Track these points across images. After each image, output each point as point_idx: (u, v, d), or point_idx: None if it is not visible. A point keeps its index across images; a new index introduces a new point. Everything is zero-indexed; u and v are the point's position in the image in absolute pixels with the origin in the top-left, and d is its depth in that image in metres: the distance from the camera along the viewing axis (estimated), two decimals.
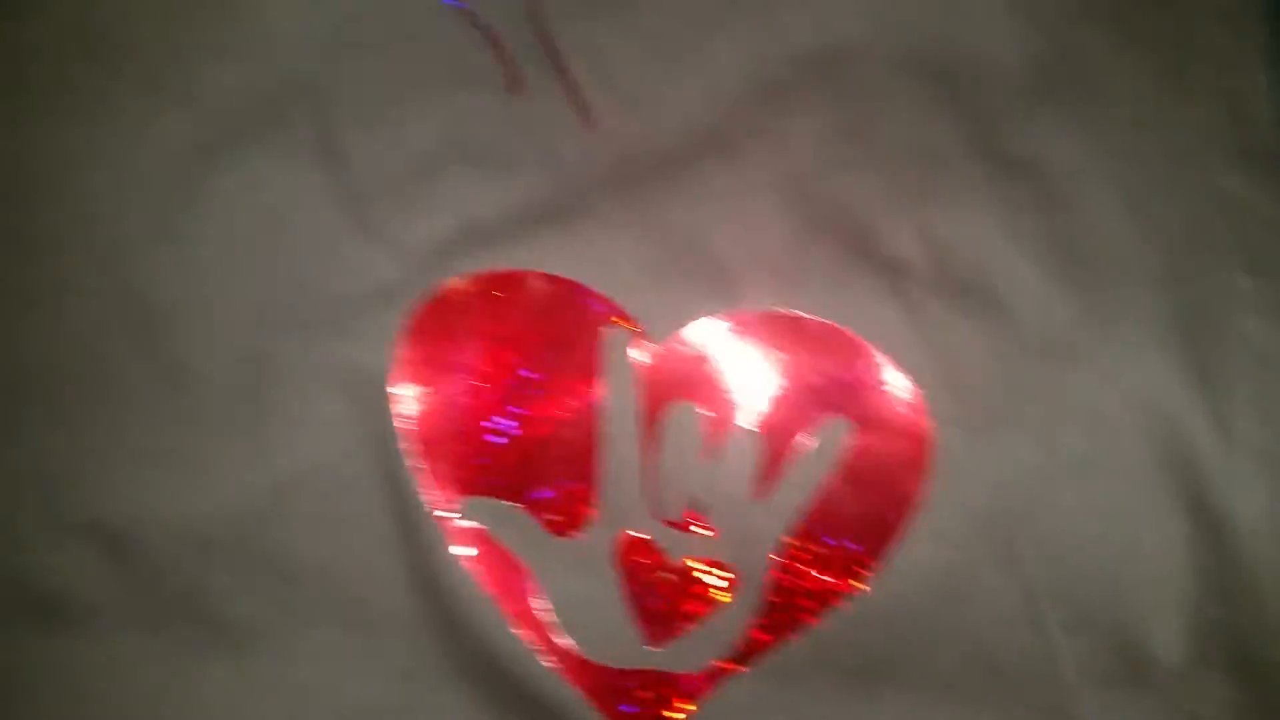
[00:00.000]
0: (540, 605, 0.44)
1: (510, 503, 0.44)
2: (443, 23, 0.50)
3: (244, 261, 0.47)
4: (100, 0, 0.50)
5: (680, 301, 0.46)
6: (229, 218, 0.47)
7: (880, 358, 0.46)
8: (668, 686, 0.43)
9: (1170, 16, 0.50)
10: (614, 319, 0.46)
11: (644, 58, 0.50)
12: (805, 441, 0.45)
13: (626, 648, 0.44)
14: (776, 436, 0.45)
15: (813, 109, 0.49)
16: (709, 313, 0.46)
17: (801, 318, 0.46)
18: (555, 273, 0.47)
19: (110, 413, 0.45)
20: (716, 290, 0.47)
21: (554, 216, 0.48)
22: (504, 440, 0.45)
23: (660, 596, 0.44)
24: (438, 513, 0.44)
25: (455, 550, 0.44)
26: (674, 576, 0.44)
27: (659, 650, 0.44)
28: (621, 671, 0.44)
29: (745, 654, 0.44)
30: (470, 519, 0.44)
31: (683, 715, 0.43)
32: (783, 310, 0.46)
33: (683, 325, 0.46)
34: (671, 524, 0.44)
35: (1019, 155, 0.48)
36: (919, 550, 0.45)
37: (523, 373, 0.45)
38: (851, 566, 0.44)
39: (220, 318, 0.46)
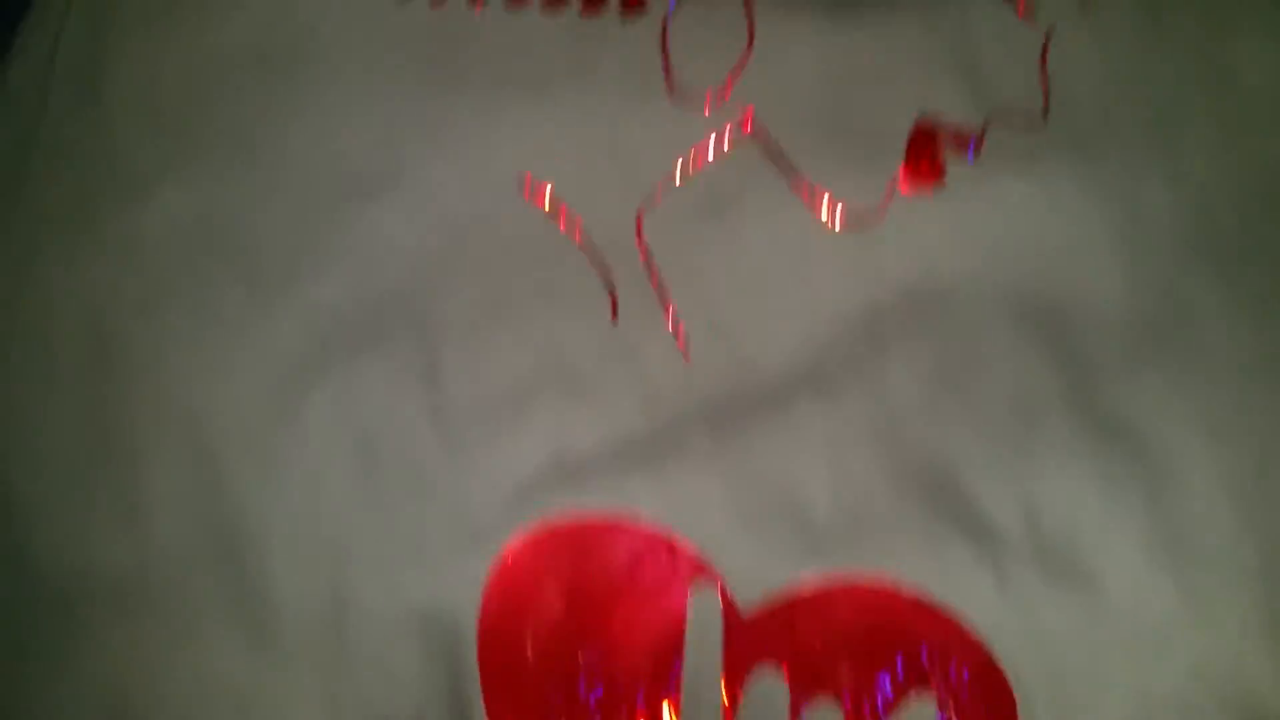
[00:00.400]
0: None
1: None
2: (543, 242, 0.51)
3: (334, 488, 0.46)
4: (212, 201, 0.50)
5: (770, 557, 0.46)
6: (323, 439, 0.47)
7: (969, 631, 0.44)
8: None
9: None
10: (702, 573, 0.45)
11: (742, 289, 0.50)
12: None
13: None
14: (860, 713, 0.44)
15: (912, 349, 0.48)
16: (799, 569, 0.45)
17: (892, 585, 0.45)
18: (646, 516, 0.46)
19: (185, 636, 0.45)
20: (808, 545, 0.46)
21: (647, 453, 0.47)
22: (582, 695, 0.44)
23: None
24: None
25: None
26: None
27: None
28: None
29: None
30: None
31: None
32: (874, 574, 0.45)
33: (772, 583, 0.45)
34: None
35: (1120, 418, 0.47)
36: None
37: (606, 626, 0.44)
38: None
39: (305, 548, 0.45)
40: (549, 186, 0.50)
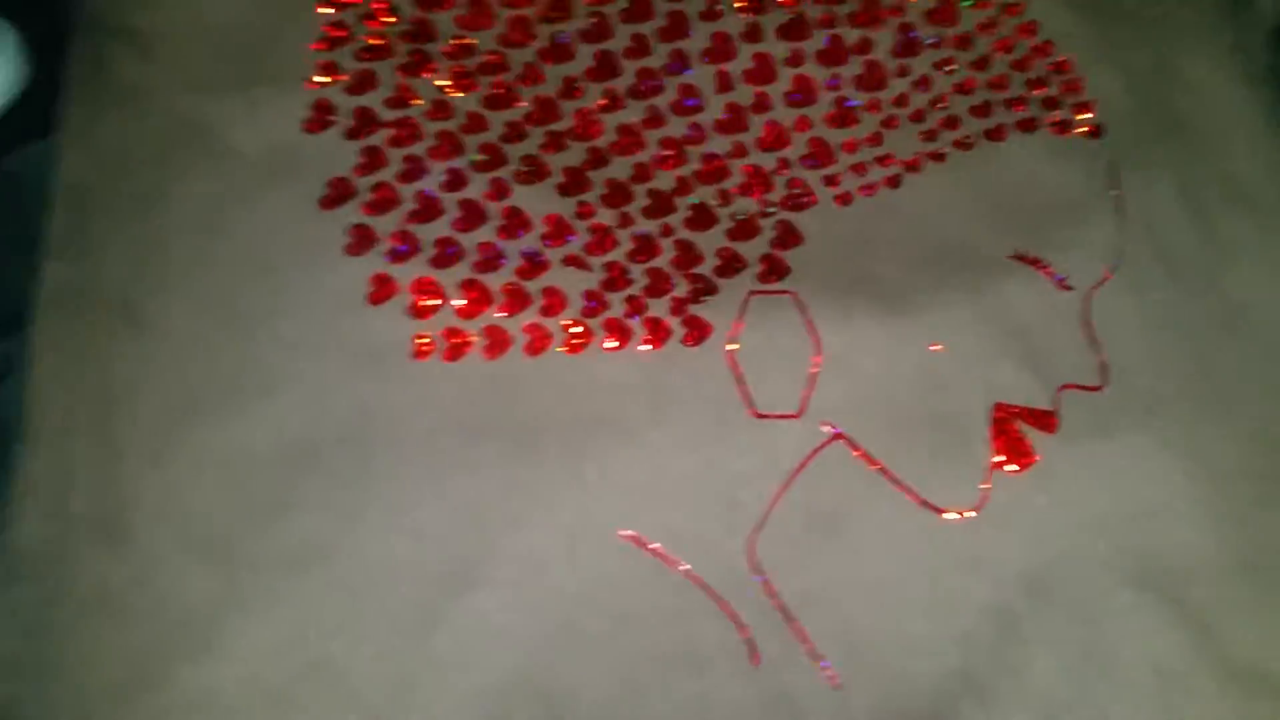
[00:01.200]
0: None
1: None
2: (661, 596, 0.48)
3: None
4: (291, 637, 0.46)
5: None
6: None
7: None
8: None
9: None
10: None
11: (871, 599, 0.49)
12: None
13: None
14: None
15: (1049, 634, 0.49)
16: None
17: None
18: None
19: None
20: None
21: None
22: None
23: None
24: None
25: None
26: None
27: None
28: None
29: None
30: None
31: None
32: None
33: None
34: None
35: (1252, 664, 0.49)
36: None
37: None
38: None
39: None
40: (652, 534, 0.48)
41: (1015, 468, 0.51)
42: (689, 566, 0.49)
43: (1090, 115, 0.59)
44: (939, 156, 0.57)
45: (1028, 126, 0.58)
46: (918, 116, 0.58)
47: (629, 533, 0.49)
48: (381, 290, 0.52)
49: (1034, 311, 0.54)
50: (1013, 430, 0.52)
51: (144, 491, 0.48)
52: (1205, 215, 0.57)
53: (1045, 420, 0.52)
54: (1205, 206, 0.57)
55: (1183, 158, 0.58)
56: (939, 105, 0.58)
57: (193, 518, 0.48)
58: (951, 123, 0.58)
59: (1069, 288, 0.54)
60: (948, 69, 0.59)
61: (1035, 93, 0.59)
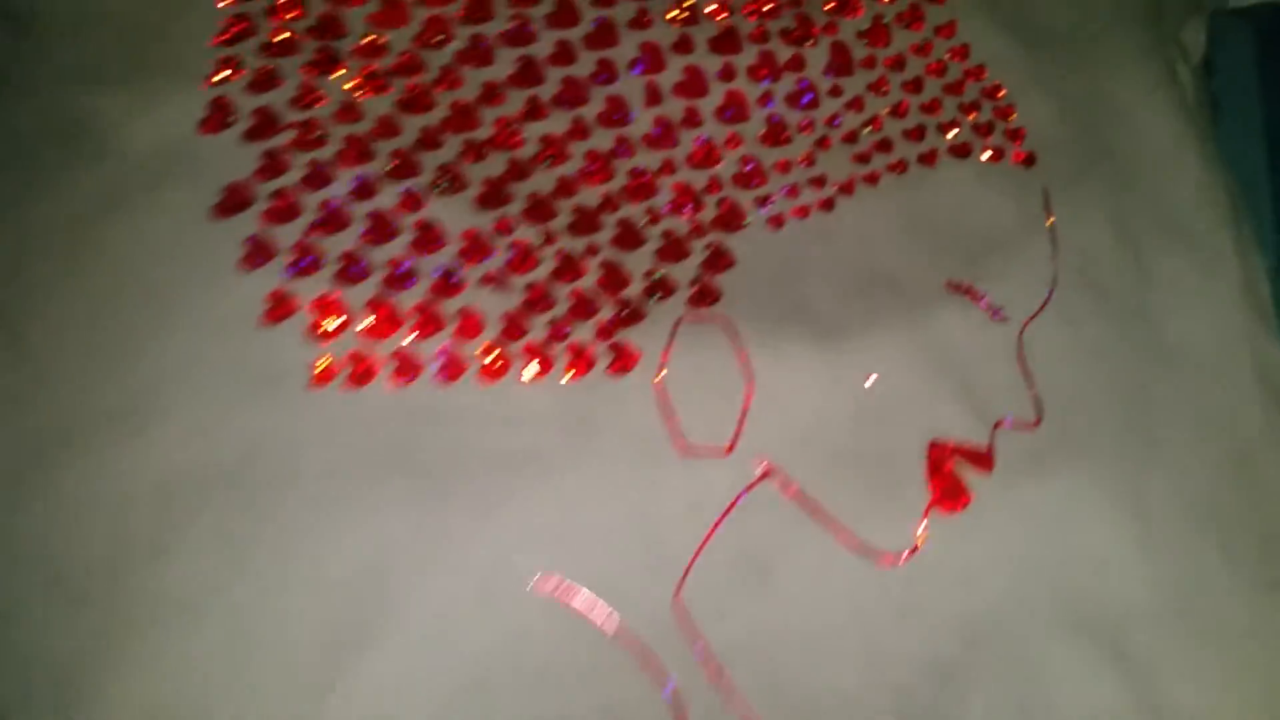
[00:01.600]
0: None
1: None
2: (580, 649, 0.45)
3: None
4: (174, 683, 0.42)
5: None
6: None
7: None
8: None
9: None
10: None
11: (805, 652, 0.47)
12: None
13: None
14: None
15: (987, 688, 0.47)
16: None
17: None
18: None
19: None
20: None
21: None
22: None
23: None
24: None
25: None
26: None
27: None
28: None
29: None
30: None
31: None
32: None
33: None
34: None
35: (1185, 711, 0.48)
36: None
37: None
38: None
39: None
40: (572, 580, 0.45)
41: (952, 508, 0.49)
42: (611, 617, 0.45)
43: (1022, 143, 0.57)
44: (872, 179, 0.55)
45: (961, 152, 0.56)
46: (851, 138, 0.56)
47: (546, 582, 0.45)
48: (278, 309, 0.47)
49: (968, 344, 0.53)
50: (948, 470, 0.50)
51: (2, 530, 0.43)
52: (1136, 246, 0.56)
53: (981, 459, 0.50)
54: (1136, 236, 0.56)
55: (1114, 186, 0.57)
56: (872, 128, 0.56)
57: (58, 561, 0.43)
58: (885, 145, 0.56)
59: (1004, 319, 0.53)
60: (882, 89, 0.57)
61: (969, 117, 0.57)
